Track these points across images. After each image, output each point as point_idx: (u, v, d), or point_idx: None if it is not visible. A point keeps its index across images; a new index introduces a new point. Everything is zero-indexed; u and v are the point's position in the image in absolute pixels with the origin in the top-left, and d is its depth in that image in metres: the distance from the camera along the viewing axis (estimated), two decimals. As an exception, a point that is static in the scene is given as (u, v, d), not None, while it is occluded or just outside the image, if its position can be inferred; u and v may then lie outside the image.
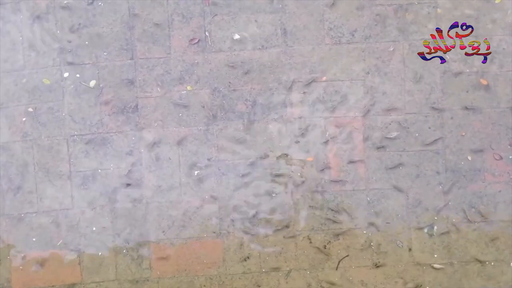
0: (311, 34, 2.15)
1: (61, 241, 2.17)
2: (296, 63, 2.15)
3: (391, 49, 2.13)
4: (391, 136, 2.08)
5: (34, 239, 2.18)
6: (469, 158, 2.11)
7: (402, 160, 2.13)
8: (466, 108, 2.12)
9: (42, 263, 2.18)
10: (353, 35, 2.14)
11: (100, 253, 2.17)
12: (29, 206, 2.18)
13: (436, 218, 2.13)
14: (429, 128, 2.13)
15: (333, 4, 2.14)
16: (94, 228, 2.17)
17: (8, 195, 2.18)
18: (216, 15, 2.16)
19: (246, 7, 2.16)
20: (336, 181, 2.14)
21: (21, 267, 2.18)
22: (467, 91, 2.12)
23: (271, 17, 2.15)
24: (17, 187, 2.18)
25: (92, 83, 2.16)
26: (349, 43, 2.15)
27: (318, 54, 2.15)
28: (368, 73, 2.14)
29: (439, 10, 2.12)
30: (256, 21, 2.16)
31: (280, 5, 2.15)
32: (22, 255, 2.18)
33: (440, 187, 2.13)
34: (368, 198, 2.14)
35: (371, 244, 2.14)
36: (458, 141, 2.12)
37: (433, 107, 2.12)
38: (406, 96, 2.13)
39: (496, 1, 2.11)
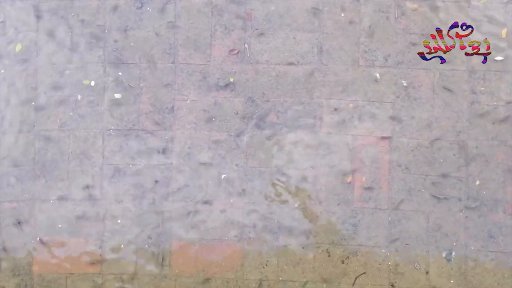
0: (346, 55, 2.24)
1: (85, 230, 2.22)
2: (329, 81, 2.24)
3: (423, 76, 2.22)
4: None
5: (59, 226, 2.23)
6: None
7: (425, 184, 2.18)
8: (491, 139, 2.18)
9: (64, 250, 2.22)
10: (386, 60, 2.24)
11: (122, 246, 2.21)
12: (59, 192, 2.25)
13: (455, 244, 2.15)
14: (454, 155, 2.19)
15: (369, 29, 2.24)
16: (119, 221, 2.22)
17: (39, 180, 2.26)
18: (257, 29, 2.27)
19: (286, 24, 2.27)
20: (359, 198, 2.19)
21: (43, 253, 2.22)
22: (493, 123, 2.18)
23: (309, 35, 2.26)
24: (49, 174, 2.26)
25: (118, 96, 2.27)
26: (382, 67, 2.24)
27: (351, 74, 2.24)
28: (398, 97, 2.22)
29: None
30: (294, 38, 2.26)
31: (319, 25, 2.26)
32: (46, 240, 2.23)
33: (461, 213, 2.16)
34: (390, 218, 2.18)
35: (389, 264, 2.16)
36: (482, 171, 2.17)
37: (458, 136, 2.19)
38: (433, 122, 2.20)
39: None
